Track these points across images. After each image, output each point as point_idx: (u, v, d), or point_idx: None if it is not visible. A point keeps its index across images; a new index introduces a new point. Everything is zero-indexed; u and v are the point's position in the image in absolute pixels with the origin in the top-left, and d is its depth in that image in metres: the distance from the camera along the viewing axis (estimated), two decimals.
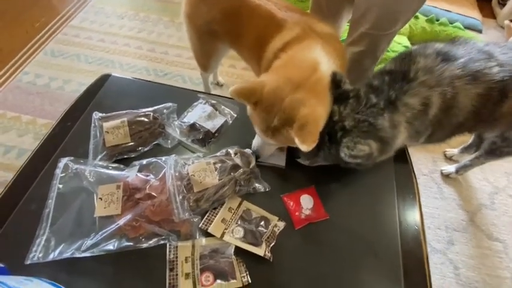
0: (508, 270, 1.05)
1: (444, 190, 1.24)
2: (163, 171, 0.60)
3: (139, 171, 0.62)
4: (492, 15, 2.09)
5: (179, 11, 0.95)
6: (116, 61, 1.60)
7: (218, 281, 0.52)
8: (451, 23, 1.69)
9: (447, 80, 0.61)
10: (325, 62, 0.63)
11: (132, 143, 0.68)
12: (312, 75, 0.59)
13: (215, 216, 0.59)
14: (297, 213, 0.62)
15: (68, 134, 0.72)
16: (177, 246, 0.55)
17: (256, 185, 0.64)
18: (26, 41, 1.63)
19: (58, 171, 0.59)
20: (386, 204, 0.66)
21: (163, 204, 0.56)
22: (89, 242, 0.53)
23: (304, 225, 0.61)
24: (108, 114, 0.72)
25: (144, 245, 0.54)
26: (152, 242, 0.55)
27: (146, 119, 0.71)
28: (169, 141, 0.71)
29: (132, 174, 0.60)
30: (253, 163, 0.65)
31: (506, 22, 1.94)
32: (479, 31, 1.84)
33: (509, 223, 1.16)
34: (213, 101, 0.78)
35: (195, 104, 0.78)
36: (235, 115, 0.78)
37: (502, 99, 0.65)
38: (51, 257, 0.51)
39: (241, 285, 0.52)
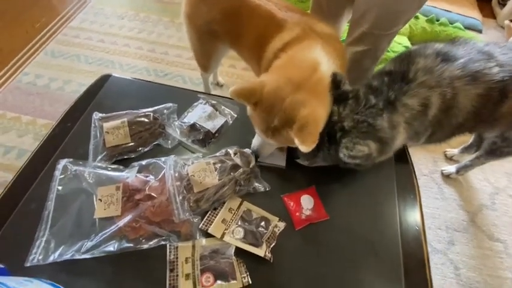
0: (509, 270, 1.05)
1: (445, 190, 1.23)
2: (162, 171, 0.60)
3: (139, 172, 0.61)
4: (492, 15, 2.09)
5: (179, 11, 0.95)
6: (116, 61, 1.60)
7: (218, 281, 0.51)
8: (451, 23, 1.69)
9: (447, 81, 0.61)
10: (325, 62, 0.63)
11: (132, 144, 0.67)
12: (313, 76, 0.59)
13: (215, 217, 0.59)
14: (297, 214, 0.62)
15: (68, 134, 0.72)
16: (177, 247, 0.55)
17: (256, 184, 0.64)
18: (26, 42, 1.63)
19: (57, 172, 0.59)
20: (387, 205, 0.66)
21: (163, 204, 0.56)
22: (89, 243, 0.53)
23: (305, 226, 0.61)
24: (108, 114, 0.72)
25: (145, 246, 0.54)
26: (152, 243, 0.55)
27: (146, 120, 0.71)
28: (169, 141, 0.71)
29: (131, 175, 0.60)
30: (253, 163, 0.65)
31: (506, 22, 1.94)
32: (479, 31, 1.84)
33: (510, 223, 1.16)
34: (213, 101, 0.78)
35: (195, 104, 0.78)
36: (236, 115, 0.78)
37: (502, 100, 0.65)
38: (51, 259, 0.51)
39: (241, 286, 0.52)
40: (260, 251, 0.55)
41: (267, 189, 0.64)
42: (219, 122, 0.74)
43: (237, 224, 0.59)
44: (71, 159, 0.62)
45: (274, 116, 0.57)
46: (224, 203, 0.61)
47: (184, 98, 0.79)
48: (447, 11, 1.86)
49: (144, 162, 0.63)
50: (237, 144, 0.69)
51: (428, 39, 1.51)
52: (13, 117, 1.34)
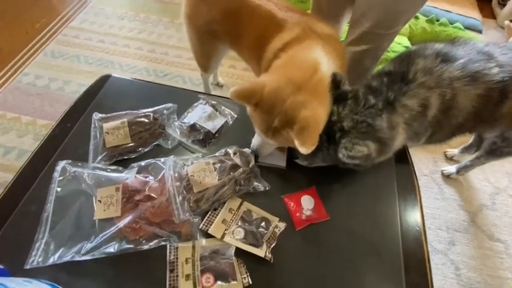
0: (509, 270, 1.05)
1: (445, 190, 1.23)
2: (162, 172, 0.60)
3: (138, 172, 0.61)
4: (492, 16, 2.09)
5: (179, 11, 0.95)
6: (115, 62, 1.60)
7: (219, 282, 0.51)
8: (451, 24, 1.69)
9: (446, 81, 0.61)
10: (325, 63, 0.63)
11: (132, 144, 0.67)
12: (313, 76, 0.59)
13: (215, 217, 0.59)
14: (297, 214, 0.62)
15: (68, 135, 0.72)
16: (177, 247, 0.55)
17: (256, 184, 0.64)
18: (26, 42, 1.63)
19: (56, 174, 0.59)
20: (388, 205, 0.65)
21: (163, 205, 0.56)
22: (88, 245, 0.52)
23: (305, 226, 0.61)
24: (108, 115, 0.72)
25: (145, 247, 0.54)
26: (153, 244, 0.55)
27: (146, 120, 0.70)
28: (169, 141, 0.71)
29: (131, 176, 0.60)
30: (252, 162, 0.65)
31: (507, 22, 1.94)
32: (480, 31, 1.84)
33: (510, 224, 1.15)
34: (213, 102, 0.78)
35: (195, 104, 0.78)
36: (236, 116, 0.78)
37: (502, 100, 0.65)
38: (50, 261, 0.51)
39: (241, 287, 0.52)
40: (260, 252, 0.55)
41: (267, 188, 0.64)
42: (219, 122, 0.74)
43: (237, 224, 0.59)
44: (70, 161, 0.61)
45: (274, 116, 0.57)
46: (224, 203, 0.61)
47: (184, 98, 0.79)
48: (447, 11, 1.86)
49: (143, 163, 0.63)
50: (237, 144, 0.69)
51: (428, 39, 1.51)
52: (13, 118, 1.34)
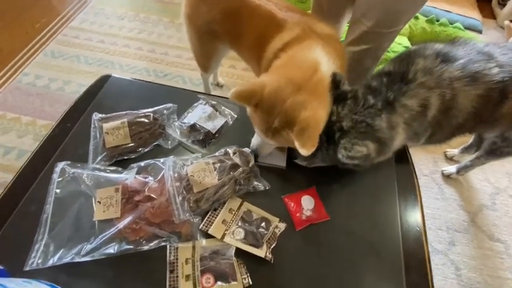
0: (510, 271, 1.05)
1: (445, 191, 1.23)
2: (161, 172, 0.60)
3: (138, 173, 0.61)
4: (492, 16, 2.09)
5: (179, 11, 0.95)
6: (115, 62, 1.60)
7: (219, 282, 0.51)
8: (451, 24, 1.69)
9: (446, 82, 0.61)
10: (325, 63, 0.62)
11: (132, 144, 0.67)
12: (313, 76, 0.59)
13: (215, 218, 0.59)
14: (297, 214, 0.62)
15: (68, 135, 0.71)
16: (177, 248, 0.55)
17: (256, 183, 0.64)
18: (26, 42, 1.63)
19: (55, 175, 0.59)
20: (388, 205, 0.65)
21: (163, 205, 0.56)
22: (88, 246, 0.52)
23: (305, 227, 0.61)
24: (108, 115, 0.72)
25: (145, 248, 0.54)
26: (153, 244, 0.54)
27: (146, 120, 0.70)
28: (169, 142, 0.71)
29: (130, 177, 0.60)
30: (252, 162, 0.65)
31: (506, 22, 1.94)
32: (480, 31, 1.84)
33: (511, 224, 1.15)
34: (214, 102, 0.78)
35: (195, 104, 0.78)
36: (236, 116, 0.78)
37: (502, 100, 0.65)
38: (50, 262, 0.51)
39: (242, 287, 0.52)
40: (261, 252, 0.55)
41: (267, 187, 0.64)
42: (219, 122, 0.74)
43: (237, 224, 0.59)
44: (69, 162, 0.61)
45: (274, 117, 0.56)
46: (224, 203, 0.61)
47: (184, 99, 0.79)
48: (447, 11, 1.86)
49: (142, 164, 0.63)
50: (238, 144, 0.68)
51: (428, 39, 1.51)
52: (13, 118, 1.34)
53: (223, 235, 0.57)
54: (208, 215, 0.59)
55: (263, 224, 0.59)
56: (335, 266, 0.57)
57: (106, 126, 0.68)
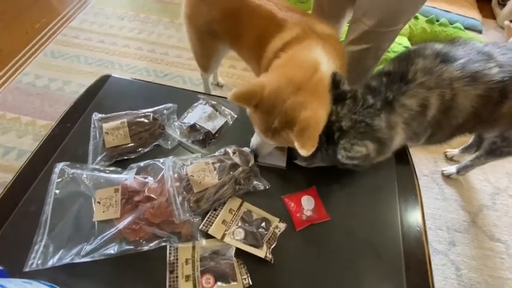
0: (510, 271, 1.05)
1: (445, 191, 1.23)
2: (161, 173, 0.60)
3: (137, 173, 0.61)
4: (492, 16, 2.09)
5: (179, 11, 0.95)
6: (115, 62, 1.60)
7: (219, 283, 0.51)
8: (451, 24, 1.69)
9: (446, 82, 0.61)
10: (325, 63, 0.62)
11: (132, 144, 0.67)
12: (313, 76, 0.59)
13: (215, 218, 0.59)
14: (298, 215, 0.62)
15: (68, 135, 0.71)
16: (177, 248, 0.55)
17: (256, 182, 0.64)
18: (26, 42, 1.63)
19: (54, 176, 0.59)
20: (388, 205, 0.65)
21: (163, 206, 0.56)
22: (88, 247, 0.52)
23: (306, 227, 0.61)
24: (108, 115, 0.72)
25: (145, 248, 0.54)
26: (153, 245, 0.54)
27: (146, 120, 0.70)
28: (169, 142, 0.71)
29: (130, 177, 0.60)
30: (252, 161, 0.65)
31: (506, 23, 1.94)
32: (479, 32, 1.85)
33: (511, 224, 1.15)
34: (213, 102, 0.78)
35: (195, 104, 0.78)
36: (236, 116, 0.78)
37: (502, 100, 0.65)
38: (50, 263, 0.51)
39: (242, 287, 0.52)
40: (261, 252, 0.55)
41: (267, 187, 0.64)
42: (219, 122, 0.74)
43: (237, 225, 0.58)
44: (68, 163, 0.61)
45: (274, 117, 0.56)
46: (224, 203, 0.61)
47: (184, 99, 0.79)
48: (447, 11, 1.86)
49: (142, 164, 0.62)
50: (238, 144, 0.68)
51: (428, 39, 1.51)
52: (13, 118, 1.34)
53: (223, 235, 0.56)
54: (208, 215, 0.59)
55: (263, 224, 0.59)
56: (335, 266, 0.57)
57: (106, 126, 0.68)
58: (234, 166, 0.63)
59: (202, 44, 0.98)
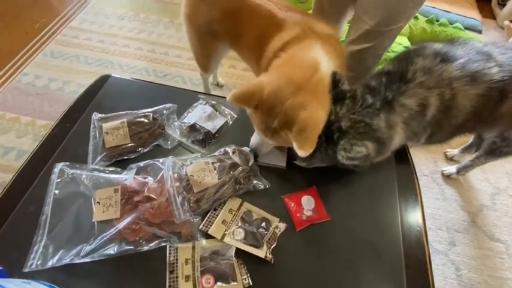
0: (510, 271, 1.05)
1: (445, 191, 1.23)
2: (161, 173, 0.60)
3: (137, 173, 0.61)
4: (492, 16, 2.09)
5: (179, 11, 0.94)
6: (115, 62, 1.60)
7: (219, 283, 0.51)
8: (451, 24, 1.69)
9: (446, 81, 0.61)
10: (325, 62, 0.62)
11: (131, 144, 0.67)
12: (313, 76, 0.59)
13: (215, 218, 0.59)
14: (298, 215, 0.62)
15: (68, 135, 0.71)
16: (177, 248, 0.55)
17: (256, 182, 0.64)
18: (26, 42, 1.63)
19: (53, 176, 0.59)
20: (388, 205, 0.65)
21: (163, 206, 0.56)
22: (88, 247, 0.52)
23: (306, 227, 0.61)
24: (108, 115, 0.71)
25: (145, 248, 0.54)
26: (153, 245, 0.54)
27: (146, 120, 0.70)
28: (169, 142, 0.71)
29: (129, 177, 0.60)
30: (251, 161, 0.65)
31: (506, 23, 1.94)
32: (479, 32, 1.85)
33: (511, 224, 1.15)
34: (213, 102, 0.78)
35: (195, 104, 0.78)
36: (236, 116, 0.77)
37: (501, 100, 0.65)
38: (49, 264, 0.51)
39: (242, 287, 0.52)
40: (261, 252, 0.55)
41: (267, 186, 0.64)
42: (219, 122, 0.74)
43: (237, 225, 0.58)
44: (68, 163, 0.61)
45: (274, 117, 0.56)
46: (224, 203, 0.61)
47: (184, 99, 0.79)
48: (447, 11, 1.86)
49: (142, 164, 0.62)
50: (238, 144, 0.68)
51: (428, 39, 1.51)
52: (12, 118, 1.34)
53: (223, 235, 0.56)
54: (208, 215, 0.59)
55: (263, 224, 0.59)
56: (335, 266, 0.57)
57: (106, 126, 0.68)
58: (234, 166, 0.63)
59: (202, 44, 0.98)
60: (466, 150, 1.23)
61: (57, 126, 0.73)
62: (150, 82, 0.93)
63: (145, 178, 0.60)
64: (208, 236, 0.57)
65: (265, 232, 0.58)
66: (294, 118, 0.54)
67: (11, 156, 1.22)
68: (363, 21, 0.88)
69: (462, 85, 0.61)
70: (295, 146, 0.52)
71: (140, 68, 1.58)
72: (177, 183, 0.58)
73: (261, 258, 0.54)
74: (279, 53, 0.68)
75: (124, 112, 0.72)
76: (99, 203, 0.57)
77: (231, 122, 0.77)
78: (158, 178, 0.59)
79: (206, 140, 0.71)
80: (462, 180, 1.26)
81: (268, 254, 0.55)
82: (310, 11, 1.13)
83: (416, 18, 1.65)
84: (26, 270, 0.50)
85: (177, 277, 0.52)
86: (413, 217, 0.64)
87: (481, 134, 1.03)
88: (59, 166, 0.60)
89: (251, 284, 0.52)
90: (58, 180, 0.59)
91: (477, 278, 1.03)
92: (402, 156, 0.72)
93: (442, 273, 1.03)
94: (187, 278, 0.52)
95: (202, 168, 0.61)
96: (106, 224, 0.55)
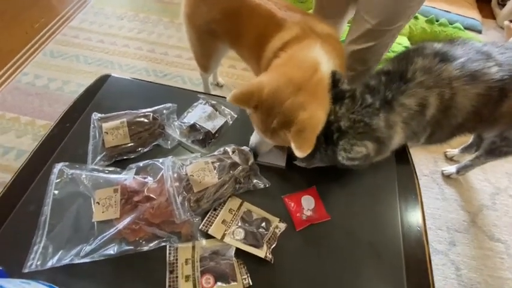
0: (510, 271, 1.05)
1: (445, 191, 1.23)
2: (161, 173, 0.60)
3: (137, 173, 0.61)
4: (492, 16, 2.09)
5: (179, 11, 0.94)
6: (115, 62, 1.60)
7: (219, 283, 0.51)
8: (451, 24, 1.69)
9: (445, 81, 0.60)
10: (325, 62, 0.62)
11: (131, 144, 0.67)
12: (313, 76, 0.59)
13: (215, 218, 0.59)
14: (298, 214, 0.62)
15: (67, 135, 0.71)
16: (177, 248, 0.55)
17: (256, 181, 0.64)
18: (26, 42, 1.62)
19: (53, 177, 0.59)
20: (389, 205, 0.65)
21: (163, 206, 0.56)
22: (87, 247, 0.52)
23: (306, 227, 0.60)
24: (108, 114, 0.71)
25: (145, 248, 0.54)
26: (153, 245, 0.54)
27: (146, 120, 0.70)
28: (169, 141, 0.71)
29: (129, 177, 0.60)
30: (251, 160, 0.65)
31: (506, 23, 1.94)
32: (479, 32, 1.85)
33: (511, 224, 1.15)
34: (213, 102, 0.78)
35: (195, 104, 0.78)
36: (236, 115, 0.77)
37: (501, 99, 0.65)
38: (49, 264, 0.50)
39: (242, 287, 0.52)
40: (261, 252, 0.55)
41: (267, 185, 0.64)
42: (219, 122, 0.74)
43: (237, 225, 0.58)
44: (67, 163, 0.61)
45: (273, 117, 0.56)
46: (224, 202, 0.61)
47: (184, 98, 0.79)
48: (446, 11, 1.86)
49: (141, 164, 0.62)
50: (238, 144, 0.68)
51: (428, 39, 1.51)
52: (12, 118, 1.33)
53: (223, 235, 0.56)
54: (208, 215, 0.59)
55: (263, 224, 0.59)
56: (335, 266, 0.57)
57: (105, 126, 0.68)
58: (234, 165, 0.63)
59: (202, 43, 0.98)
60: (466, 150, 1.23)
61: (57, 126, 0.73)
62: (150, 82, 0.93)
63: (145, 178, 0.60)
64: (208, 236, 0.57)
65: (265, 232, 0.58)
66: (293, 118, 0.54)
67: (11, 156, 1.22)
68: (364, 20, 0.88)
69: (462, 85, 0.61)
70: (293, 146, 0.52)
71: (140, 68, 1.58)
72: (177, 183, 0.58)
73: (261, 258, 0.54)
74: (279, 52, 0.68)
75: (124, 112, 0.72)
76: (99, 203, 0.56)
77: (231, 122, 0.77)
78: (158, 178, 0.59)
79: (206, 139, 0.71)
80: (462, 180, 1.26)
81: (268, 254, 0.55)
82: (310, 11, 1.13)
83: (416, 18, 1.65)
84: (26, 270, 0.50)
85: (177, 277, 0.52)
86: (413, 217, 0.64)
87: (481, 133, 1.03)
88: (59, 166, 0.60)
89: (251, 284, 0.52)
90: (57, 180, 0.59)
91: (477, 278, 1.03)
92: (402, 156, 0.72)
93: (442, 273, 1.03)
94: (187, 278, 0.52)
95: (202, 168, 0.61)
96: (106, 224, 0.55)
